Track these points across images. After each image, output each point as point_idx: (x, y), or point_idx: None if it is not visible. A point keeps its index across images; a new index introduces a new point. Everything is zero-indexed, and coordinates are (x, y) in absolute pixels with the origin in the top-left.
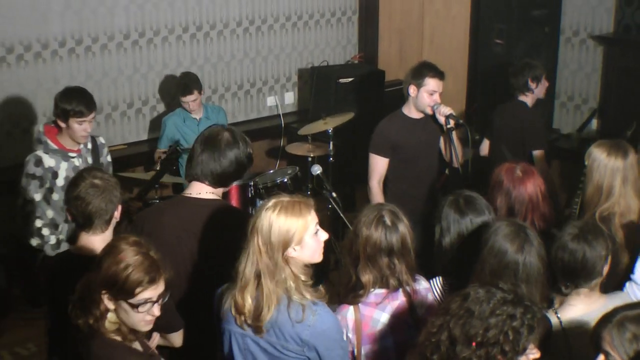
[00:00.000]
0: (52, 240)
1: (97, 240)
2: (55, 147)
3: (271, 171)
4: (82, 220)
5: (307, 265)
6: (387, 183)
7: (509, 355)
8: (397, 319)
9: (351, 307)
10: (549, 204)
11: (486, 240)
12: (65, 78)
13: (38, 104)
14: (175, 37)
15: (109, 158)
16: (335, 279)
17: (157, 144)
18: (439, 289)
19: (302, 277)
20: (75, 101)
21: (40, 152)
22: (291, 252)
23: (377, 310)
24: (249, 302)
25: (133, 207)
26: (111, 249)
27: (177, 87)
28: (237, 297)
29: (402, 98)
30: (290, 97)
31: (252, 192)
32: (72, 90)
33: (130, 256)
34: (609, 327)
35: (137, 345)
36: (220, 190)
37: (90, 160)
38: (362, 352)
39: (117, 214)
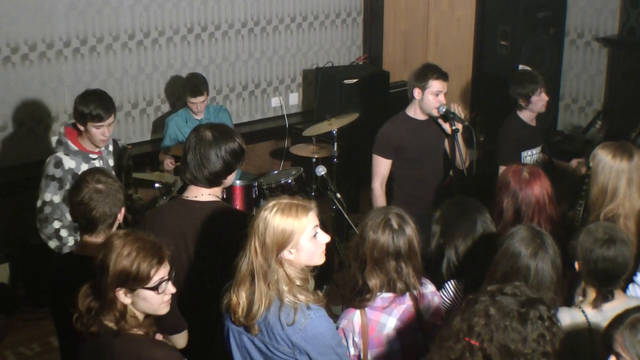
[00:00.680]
0: (71, 242)
1: (100, 243)
2: (76, 148)
3: (275, 172)
4: (85, 224)
5: (306, 269)
6: (392, 185)
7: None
8: (404, 323)
9: (358, 311)
10: (555, 206)
11: (502, 242)
12: (70, 78)
13: (43, 104)
14: (180, 37)
15: (130, 162)
16: (340, 280)
17: (160, 145)
18: (453, 291)
19: (297, 282)
20: (92, 104)
21: (60, 154)
22: (286, 254)
23: (384, 314)
24: (242, 301)
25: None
26: (108, 248)
27: (184, 88)
28: (232, 295)
29: (407, 99)
30: (294, 98)
31: (256, 192)
32: (91, 93)
33: (130, 246)
34: (621, 328)
35: (159, 337)
36: (217, 190)
37: (111, 162)
38: (369, 356)
39: (120, 217)
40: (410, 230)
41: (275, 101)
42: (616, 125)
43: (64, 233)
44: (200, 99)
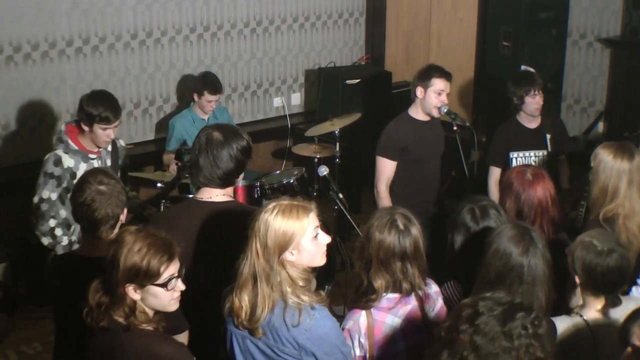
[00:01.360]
0: (65, 241)
1: (102, 243)
2: (75, 147)
3: (277, 172)
4: (88, 225)
5: (308, 269)
6: (393, 186)
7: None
8: (410, 323)
9: (363, 312)
10: (558, 208)
11: (490, 243)
12: (72, 77)
13: (45, 103)
14: (182, 37)
15: (128, 161)
16: (342, 280)
17: (164, 146)
18: (454, 291)
19: (300, 283)
20: (102, 107)
21: (60, 152)
22: (288, 256)
23: (390, 314)
24: (245, 304)
25: (148, 214)
26: (119, 243)
27: (199, 85)
28: (234, 298)
29: (409, 99)
30: (297, 98)
31: (259, 192)
32: (99, 94)
33: (141, 242)
34: (639, 322)
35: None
36: (230, 190)
37: (109, 162)
38: (375, 356)
39: (122, 217)
40: (416, 230)
41: (277, 101)
42: (618, 125)
43: (58, 232)
44: (217, 96)
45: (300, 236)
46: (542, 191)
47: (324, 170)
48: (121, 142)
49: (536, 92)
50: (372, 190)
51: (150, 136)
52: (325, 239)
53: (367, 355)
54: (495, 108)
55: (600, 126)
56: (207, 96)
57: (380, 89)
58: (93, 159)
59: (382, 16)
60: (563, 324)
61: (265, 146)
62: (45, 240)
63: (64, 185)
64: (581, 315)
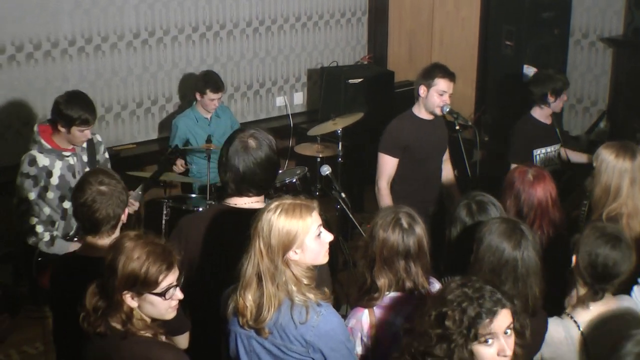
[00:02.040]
0: (46, 237)
1: (104, 244)
2: (49, 146)
3: (280, 171)
4: (89, 226)
5: (312, 268)
6: (394, 184)
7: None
8: (413, 322)
9: (366, 311)
10: (559, 210)
11: (481, 239)
12: (74, 77)
13: (47, 102)
14: (185, 36)
15: (106, 155)
16: (344, 279)
17: (167, 145)
18: None
19: (305, 281)
20: (81, 110)
21: (34, 152)
22: (292, 255)
23: (393, 313)
24: (250, 304)
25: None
26: (118, 249)
27: (200, 84)
28: (238, 298)
29: (412, 99)
30: (299, 98)
31: None
32: (75, 96)
33: (141, 250)
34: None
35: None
36: (262, 196)
37: (85, 158)
38: (377, 355)
39: (123, 217)
40: (419, 229)
41: (279, 100)
42: (620, 125)
43: (39, 229)
44: (219, 95)
45: (303, 235)
46: (542, 192)
47: (326, 170)
48: (98, 137)
49: (565, 91)
50: (375, 189)
51: (153, 135)
52: (328, 237)
53: (370, 354)
54: (497, 107)
55: (603, 125)
56: (210, 95)
57: (382, 88)
58: (68, 156)
59: (385, 15)
60: (555, 326)
61: None
62: (30, 240)
63: (42, 184)
64: (571, 316)
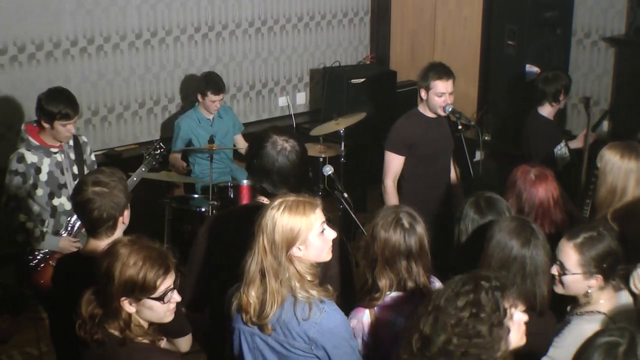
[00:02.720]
0: (37, 233)
1: (103, 245)
2: (37, 143)
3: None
4: (89, 226)
5: (315, 265)
6: (402, 183)
7: (492, 321)
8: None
9: (367, 311)
10: (561, 210)
11: (490, 236)
12: (76, 77)
13: None
14: (187, 36)
15: (92, 157)
16: None
17: (170, 146)
18: None
19: (308, 277)
20: (62, 104)
21: (22, 150)
22: (295, 251)
23: (394, 313)
24: (253, 301)
25: None
26: (113, 256)
27: (202, 85)
28: (242, 295)
29: (415, 98)
30: (302, 98)
31: None
32: (57, 92)
33: (137, 255)
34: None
35: (166, 345)
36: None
37: (72, 156)
38: (379, 355)
39: (124, 219)
40: (421, 229)
41: (282, 101)
42: (623, 124)
43: (29, 225)
44: (221, 96)
45: (307, 232)
46: (544, 192)
47: (329, 170)
48: (84, 138)
49: None
50: (378, 189)
51: (156, 136)
52: (331, 234)
53: (372, 354)
54: (499, 107)
55: (605, 125)
56: (211, 96)
57: (385, 88)
58: (55, 152)
59: (387, 15)
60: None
61: None
62: (19, 238)
63: (30, 181)
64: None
